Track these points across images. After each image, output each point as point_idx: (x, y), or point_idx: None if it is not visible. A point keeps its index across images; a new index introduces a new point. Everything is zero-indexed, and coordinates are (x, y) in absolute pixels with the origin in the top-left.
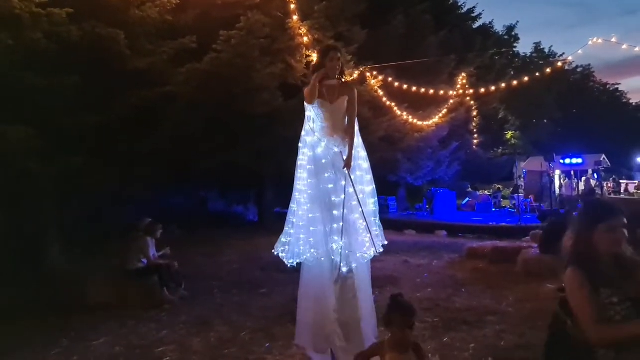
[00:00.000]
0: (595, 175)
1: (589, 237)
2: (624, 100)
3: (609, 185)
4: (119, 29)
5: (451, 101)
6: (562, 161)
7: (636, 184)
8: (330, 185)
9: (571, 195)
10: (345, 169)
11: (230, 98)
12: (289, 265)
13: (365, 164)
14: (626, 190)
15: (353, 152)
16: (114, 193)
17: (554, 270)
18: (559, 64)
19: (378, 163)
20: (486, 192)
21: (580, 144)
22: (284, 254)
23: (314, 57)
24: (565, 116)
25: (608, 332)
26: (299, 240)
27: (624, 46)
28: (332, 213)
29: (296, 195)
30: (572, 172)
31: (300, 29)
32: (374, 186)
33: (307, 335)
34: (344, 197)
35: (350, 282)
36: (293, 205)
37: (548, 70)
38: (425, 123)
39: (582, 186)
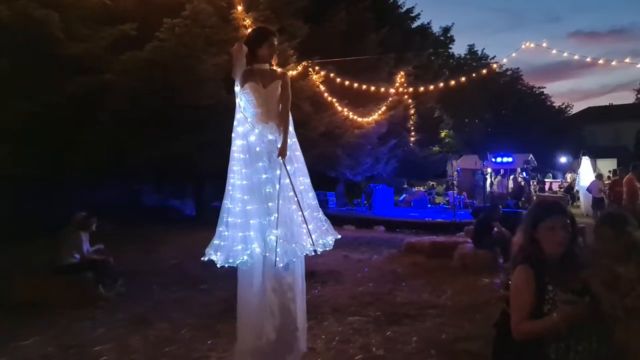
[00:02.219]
0: (524, 174)
1: (533, 235)
2: (549, 103)
3: (534, 183)
4: (53, 11)
5: (390, 99)
6: (493, 160)
7: (559, 183)
8: (265, 176)
9: (502, 193)
10: (280, 157)
11: (173, 89)
12: (222, 266)
13: (301, 156)
14: (550, 188)
15: (289, 141)
16: (42, 186)
17: (487, 264)
18: (494, 65)
19: (318, 159)
20: (421, 188)
21: (509, 143)
22: (216, 257)
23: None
24: (495, 117)
25: (525, 326)
26: (234, 240)
27: (554, 51)
28: (267, 205)
29: (229, 189)
30: (502, 171)
31: (245, 20)
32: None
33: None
34: (279, 188)
35: (289, 279)
36: (226, 202)
37: (484, 71)
38: (365, 120)
39: (511, 184)
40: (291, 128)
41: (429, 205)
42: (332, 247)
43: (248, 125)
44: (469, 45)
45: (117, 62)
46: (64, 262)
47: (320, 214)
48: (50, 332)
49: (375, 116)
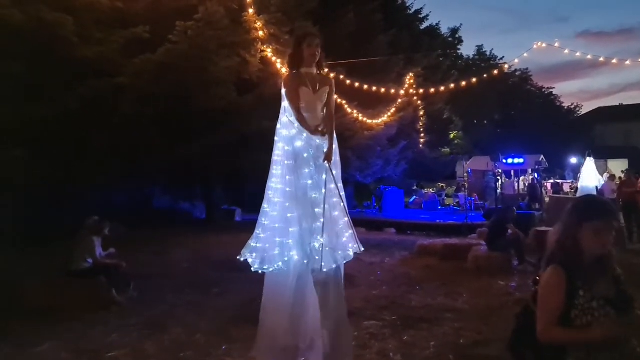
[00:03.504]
0: (536, 175)
1: (574, 235)
2: (558, 104)
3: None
4: (66, 14)
5: (399, 100)
6: (504, 161)
7: (570, 184)
8: (310, 181)
9: (512, 194)
10: (326, 162)
11: (185, 91)
12: (256, 271)
13: (339, 162)
14: (561, 189)
15: (335, 146)
16: (54, 190)
17: (502, 266)
18: (505, 66)
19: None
20: (431, 190)
21: (518, 144)
22: (252, 259)
23: (269, 52)
24: (504, 118)
25: (557, 333)
26: (272, 244)
27: (566, 51)
28: (313, 210)
29: (269, 194)
30: (512, 172)
31: (256, 23)
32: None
33: (272, 351)
34: (325, 193)
35: (335, 282)
36: (265, 205)
37: (495, 72)
38: (375, 122)
39: (522, 185)
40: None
41: (440, 207)
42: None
43: (294, 130)
44: (477, 46)
45: (130, 66)
46: (77, 267)
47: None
48: (64, 337)
49: (384, 118)
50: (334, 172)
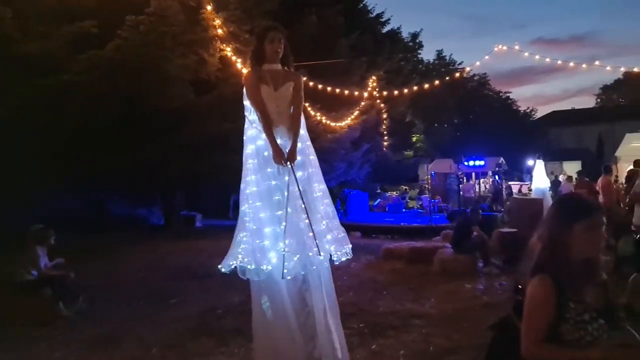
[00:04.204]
0: (498, 177)
1: (564, 239)
2: (514, 108)
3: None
4: (3, 6)
5: (362, 103)
6: (465, 163)
7: (528, 185)
8: (274, 182)
9: (472, 196)
10: (289, 163)
11: (139, 90)
12: (248, 278)
13: (316, 161)
14: (520, 191)
15: (301, 144)
16: None
17: (468, 269)
18: (467, 69)
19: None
20: (394, 193)
21: (478, 147)
22: (238, 262)
23: (228, 51)
24: (463, 121)
25: (546, 351)
26: (254, 248)
27: (526, 54)
28: (276, 213)
29: (246, 192)
30: (473, 174)
31: (215, 21)
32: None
33: None
34: (287, 195)
35: (308, 294)
36: (244, 207)
37: (457, 74)
38: (338, 124)
39: (483, 187)
40: (303, 131)
41: (404, 210)
42: (351, 255)
43: (255, 130)
44: (437, 51)
45: (78, 62)
46: (19, 278)
47: (337, 221)
48: (4, 355)
49: (348, 121)
50: (302, 173)
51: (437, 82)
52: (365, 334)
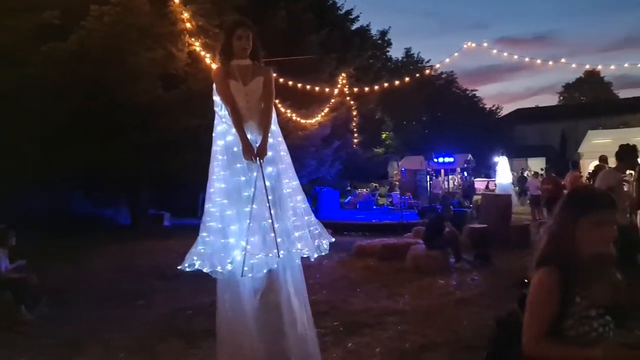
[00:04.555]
0: (466, 174)
1: (571, 232)
2: (481, 105)
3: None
4: None
5: (332, 100)
6: (435, 160)
7: (494, 182)
8: (242, 178)
9: (440, 192)
10: (258, 158)
11: (103, 85)
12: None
13: (287, 157)
14: (487, 187)
15: (272, 140)
16: None
17: (440, 265)
18: (437, 65)
19: None
20: (365, 190)
21: (446, 144)
22: (199, 264)
23: (197, 45)
24: (432, 119)
25: (546, 348)
26: (219, 246)
27: (494, 51)
28: (244, 210)
29: (211, 192)
30: (442, 171)
31: (183, 14)
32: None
33: None
34: (254, 191)
35: (274, 293)
36: (209, 205)
37: (427, 71)
38: (309, 121)
39: (455, 183)
40: (275, 127)
41: (374, 207)
42: (327, 251)
43: (225, 125)
44: (405, 49)
45: (38, 55)
46: None
47: (312, 217)
48: None
49: (318, 118)
50: (272, 169)
51: (407, 79)
52: (340, 333)
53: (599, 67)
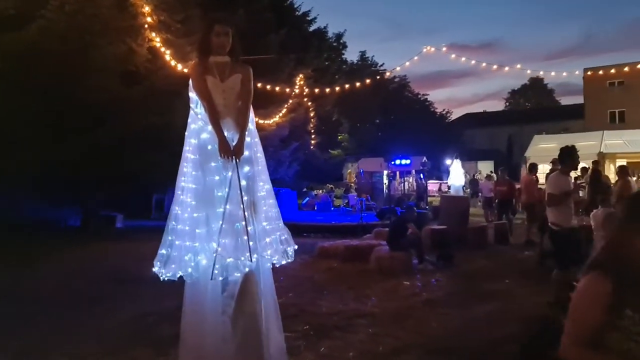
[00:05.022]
0: (421, 175)
1: (630, 239)
2: (432, 110)
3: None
4: None
5: (290, 101)
6: (392, 162)
7: (447, 184)
8: (217, 177)
9: (397, 194)
10: (234, 157)
11: (60, 80)
12: (163, 279)
13: (263, 159)
14: (439, 189)
15: (249, 139)
16: None
17: (404, 266)
18: (397, 68)
19: None
20: (321, 191)
21: (399, 147)
22: (164, 269)
23: (157, 41)
24: (386, 121)
25: (583, 355)
26: (184, 249)
27: (452, 56)
28: (215, 210)
29: (179, 194)
30: (397, 173)
31: (144, 7)
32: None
33: None
34: (228, 192)
35: (248, 302)
36: (176, 207)
37: (387, 74)
38: (267, 122)
39: (409, 185)
40: (252, 126)
41: (332, 208)
42: (293, 258)
43: (200, 122)
44: (360, 52)
45: None
46: None
47: (281, 223)
48: None
49: (276, 118)
50: (248, 169)
51: (368, 80)
52: (311, 336)
53: (541, 72)
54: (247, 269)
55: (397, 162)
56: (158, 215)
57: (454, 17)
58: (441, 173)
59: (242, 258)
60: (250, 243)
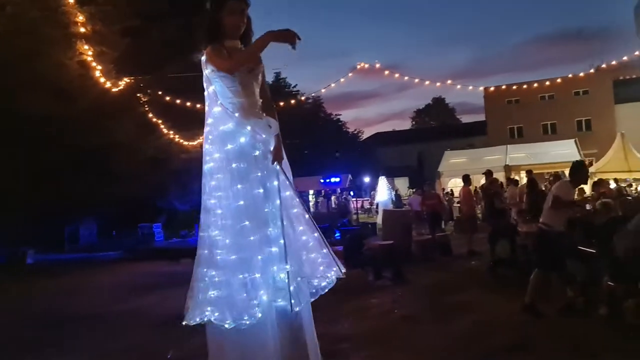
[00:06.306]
0: (352, 193)
1: None
2: (345, 129)
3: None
4: None
5: None
6: (322, 180)
7: (369, 201)
8: (261, 190)
9: (327, 212)
10: (276, 163)
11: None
12: (226, 326)
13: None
14: (362, 206)
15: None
16: None
17: (364, 283)
18: (332, 85)
19: (145, 188)
20: None
21: (319, 166)
22: (213, 317)
23: (89, 54)
24: (301, 141)
25: None
26: (235, 286)
27: (386, 72)
28: (267, 231)
29: (218, 215)
30: (323, 192)
31: (78, 17)
32: None
33: None
34: (280, 205)
35: (303, 332)
36: (214, 233)
37: (322, 90)
38: (191, 143)
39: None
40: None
41: None
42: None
43: (231, 124)
44: (275, 73)
45: None
46: None
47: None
48: None
49: (200, 140)
50: (283, 178)
51: (292, 101)
52: None
53: (470, 87)
54: (323, 291)
55: (328, 180)
56: (72, 247)
57: (357, 40)
58: (361, 191)
59: (329, 278)
60: (333, 255)
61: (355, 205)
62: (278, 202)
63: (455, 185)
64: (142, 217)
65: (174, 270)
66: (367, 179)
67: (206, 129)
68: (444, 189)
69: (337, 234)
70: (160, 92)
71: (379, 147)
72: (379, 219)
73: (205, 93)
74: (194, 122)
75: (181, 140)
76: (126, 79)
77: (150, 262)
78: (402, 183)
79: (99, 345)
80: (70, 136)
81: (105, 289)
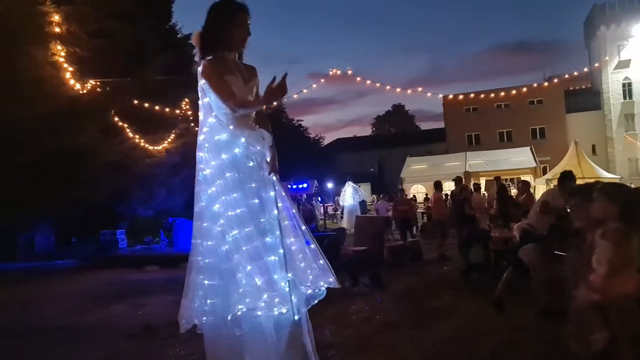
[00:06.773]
0: (319, 198)
1: None
2: (307, 135)
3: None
4: None
5: (179, 126)
6: (289, 186)
7: (333, 206)
8: (256, 200)
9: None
10: (272, 174)
11: None
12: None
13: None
14: (326, 211)
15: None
16: None
17: (340, 289)
18: (295, 96)
19: (107, 193)
20: None
21: (283, 173)
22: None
23: (62, 55)
24: None
25: None
26: (229, 292)
27: (358, 79)
28: (264, 240)
29: (221, 224)
30: (289, 197)
31: (54, 16)
32: None
33: None
34: (277, 214)
35: (303, 340)
36: (204, 241)
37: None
38: (156, 148)
39: (300, 210)
40: None
41: None
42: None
43: (225, 135)
44: None
45: None
46: None
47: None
48: None
49: (165, 144)
50: (278, 188)
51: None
52: None
53: (431, 93)
54: (316, 300)
55: (295, 186)
56: (27, 256)
57: (314, 47)
58: (325, 197)
59: (322, 287)
60: (329, 266)
61: (319, 211)
62: (275, 212)
63: (417, 191)
64: (104, 223)
65: (140, 279)
66: (330, 185)
67: (200, 137)
68: (406, 195)
69: (306, 241)
70: (128, 96)
71: (340, 153)
72: (344, 224)
73: (200, 102)
74: (158, 126)
75: (146, 145)
76: (92, 81)
77: (114, 270)
78: (364, 189)
79: (74, 357)
80: (30, 139)
81: (69, 299)
